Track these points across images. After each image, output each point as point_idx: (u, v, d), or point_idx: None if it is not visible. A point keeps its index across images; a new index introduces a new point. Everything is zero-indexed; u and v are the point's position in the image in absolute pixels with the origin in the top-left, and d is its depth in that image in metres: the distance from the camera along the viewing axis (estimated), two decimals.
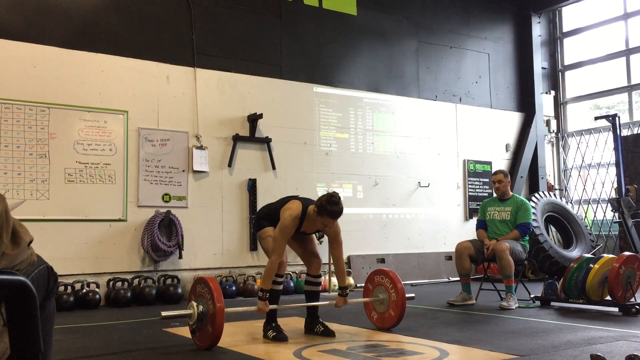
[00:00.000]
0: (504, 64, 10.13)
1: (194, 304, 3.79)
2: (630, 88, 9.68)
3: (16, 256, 1.93)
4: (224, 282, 6.92)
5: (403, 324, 4.58)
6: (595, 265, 5.27)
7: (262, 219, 4.25)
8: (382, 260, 8.29)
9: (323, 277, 4.36)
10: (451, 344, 3.81)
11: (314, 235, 4.37)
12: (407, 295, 4.42)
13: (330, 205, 3.86)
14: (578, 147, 10.33)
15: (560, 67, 10.72)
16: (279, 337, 3.97)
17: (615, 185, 8.02)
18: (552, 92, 10.61)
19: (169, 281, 6.56)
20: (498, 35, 10.10)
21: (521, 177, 9.79)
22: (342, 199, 4.00)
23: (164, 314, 3.75)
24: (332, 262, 4.37)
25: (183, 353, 3.72)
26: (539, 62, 10.28)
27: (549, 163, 10.44)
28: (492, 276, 6.58)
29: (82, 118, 6.50)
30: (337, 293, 4.28)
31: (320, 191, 7.69)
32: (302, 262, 7.54)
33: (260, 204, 7.32)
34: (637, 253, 6.45)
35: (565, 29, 10.71)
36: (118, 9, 6.86)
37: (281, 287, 4.17)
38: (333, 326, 4.36)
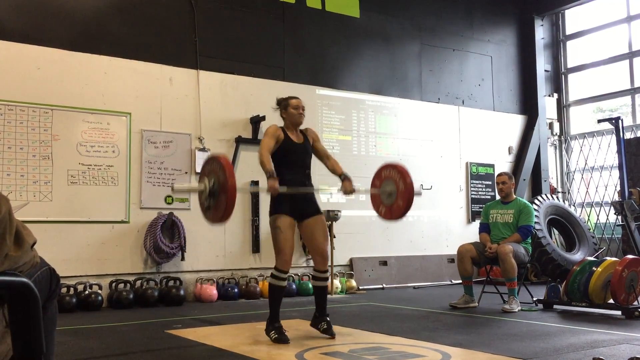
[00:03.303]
0: (507, 67, 10.12)
1: (206, 179, 3.76)
2: (633, 91, 9.67)
3: (19, 258, 1.93)
4: (226, 284, 6.93)
5: (405, 326, 4.58)
6: (598, 269, 5.26)
7: (276, 203, 4.16)
8: (384, 262, 8.28)
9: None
10: (453, 346, 3.81)
11: (324, 222, 4.33)
12: (415, 191, 4.39)
13: (284, 97, 4.45)
14: (581, 150, 10.31)
15: (563, 70, 10.71)
16: (280, 338, 3.97)
17: (618, 188, 8.00)
18: (555, 95, 10.60)
19: (171, 283, 6.56)
20: (501, 37, 10.10)
21: (524, 179, 9.78)
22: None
23: (176, 186, 3.75)
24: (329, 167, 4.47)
25: (185, 355, 3.73)
26: (542, 64, 10.28)
27: (552, 166, 10.43)
28: (494, 279, 6.57)
29: (85, 120, 6.52)
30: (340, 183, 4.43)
31: (323, 192, 7.71)
32: (304, 265, 7.56)
33: (262, 206, 7.32)
34: None
35: (568, 32, 10.70)
36: (121, 11, 6.87)
37: (285, 283, 4.16)
38: (335, 328, 4.35)
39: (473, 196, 9.36)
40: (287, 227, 4.09)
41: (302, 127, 4.48)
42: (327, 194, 7.81)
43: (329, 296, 4.62)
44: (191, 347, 3.93)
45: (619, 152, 7.51)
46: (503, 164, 9.72)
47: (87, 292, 6.10)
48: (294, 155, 4.26)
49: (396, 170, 4.47)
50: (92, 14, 6.71)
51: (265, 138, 4.21)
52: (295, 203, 4.16)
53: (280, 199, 4.12)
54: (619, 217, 7.46)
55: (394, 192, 4.43)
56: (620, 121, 7.50)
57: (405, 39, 9.03)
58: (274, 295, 4.11)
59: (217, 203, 3.68)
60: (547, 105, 10.32)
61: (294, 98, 4.45)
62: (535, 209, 7.45)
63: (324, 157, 4.49)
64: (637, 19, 9.61)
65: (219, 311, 5.89)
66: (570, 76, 10.69)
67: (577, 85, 10.63)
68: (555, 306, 5.64)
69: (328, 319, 4.24)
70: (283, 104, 4.42)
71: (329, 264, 4.36)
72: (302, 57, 8.09)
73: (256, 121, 7.42)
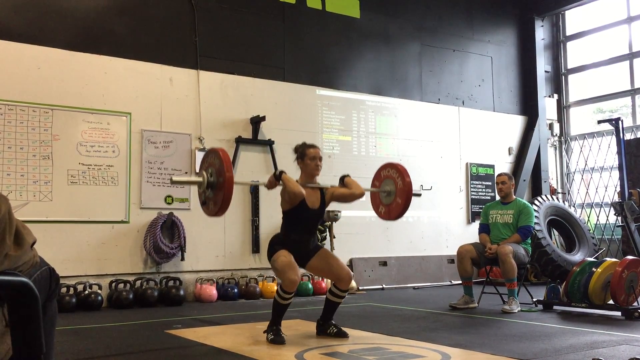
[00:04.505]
0: (507, 67, 10.12)
1: (204, 172, 3.81)
2: (633, 92, 9.67)
3: (19, 257, 1.93)
4: (225, 284, 6.93)
5: (405, 327, 4.58)
6: (598, 269, 5.26)
7: (274, 244, 4.19)
8: (384, 263, 8.28)
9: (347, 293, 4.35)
10: (453, 347, 3.81)
11: (329, 251, 4.33)
12: (414, 191, 4.41)
13: (301, 145, 4.24)
14: (581, 151, 10.31)
15: (563, 71, 10.71)
16: (276, 339, 3.97)
17: (618, 189, 8.01)
18: (555, 96, 10.60)
19: (171, 283, 6.56)
20: (501, 38, 10.10)
21: (524, 180, 9.78)
22: None
23: (175, 178, 3.83)
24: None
25: (185, 355, 3.73)
26: (542, 65, 10.28)
27: (552, 166, 10.43)
28: (494, 279, 6.57)
29: (85, 120, 6.52)
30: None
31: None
32: None
33: (262, 207, 7.33)
34: None
35: (568, 33, 10.70)
36: (122, 11, 6.88)
37: (290, 301, 4.09)
38: None
39: (473, 197, 9.36)
40: (287, 253, 4.05)
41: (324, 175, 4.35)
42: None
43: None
44: (191, 347, 3.93)
45: (619, 153, 7.51)
46: (503, 165, 9.73)
47: (87, 292, 6.10)
48: (304, 222, 4.20)
49: (395, 169, 4.50)
50: (92, 14, 6.71)
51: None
52: (295, 249, 4.12)
53: (278, 244, 4.14)
54: (619, 218, 7.46)
55: (392, 192, 4.45)
56: (620, 122, 7.49)
57: (405, 40, 9.03)
58: (278, 310, 4.07)
59: (215, 196, 3.71)
60: (547, 106, 10.32)
61: (312, 147, 4.26)
62: (535, 210, 7.45)
63: (348, 195, 4.33)
64: (637, 19, 9.61)
65: (218, 311, 5.89)
66: (571, 77, 10.69)
67: (577, 86, 10.63)
68: (555, 307, 5.64)
69: (334, 322, 4.25)
70: (300, 153, 4.25)
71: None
72: (302, 58, 8.09)
73: (256, 121, 7.42)
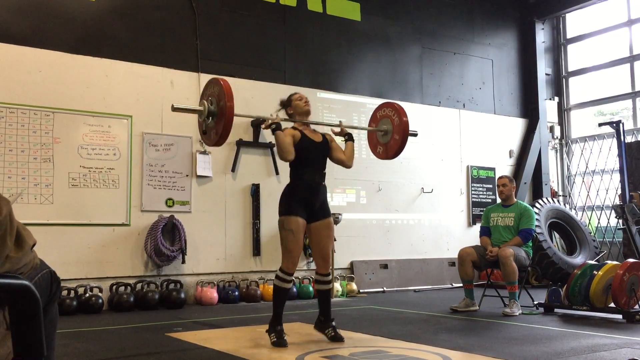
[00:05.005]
0: (508, 70, 10.13)
1: (205, 101, 3.87)
2: (634, 94, 9.67)
3: (20, 259, 1.93)
4: (226, 287, 6.92)
5: (406, 330, 4.57)
6: (599, 272, 5.25)
7: (287, 202, 4.17)
8: (385, 265, 8.28)
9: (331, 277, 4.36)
10: (454, 350, 3.80)
11: (332, 225, 4.31)
12: (410, 130, 4.46)
13: (287, 96, 4.38)
14: (582, 154, 10.31)
15: (564, 74, 10.71)
16: (279, 342, 3.97)
17: (619, 191, 8.00)
18: (556, 99, 10.60)
19: (171, 286, 6.56)
20: (502, 41, 10.11)
21: (525, 183, 9.77)
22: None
23: (176, 105, 3.88)
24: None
25: (186, 358, 3.72)
26: (543, 68, 10.28)
27: (553, 169, 10.42)
28: (495, 282, 6.56)
29: (86, 123, 6.52)
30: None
31: None
32: (304, 268, 7.57)
33: (263, 209, 7.33)
34: None
35: (569, 36, 10.71)
36: (123, 14, 6.89)
37: (290, 285, 4.14)
38: None
39: (474, 199, 9.36)
40: (299, 230, 4.07)
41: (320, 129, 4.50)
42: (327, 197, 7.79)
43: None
44: (191, 350, 3.93)
45: (619, 155, 7.51)
46: (504, 168, 9.72)
47: (87, 295, 6.10)
48: (311, 154, 4.23)
49: (392, 107, 4.56)
50: (93, 17, 6.72)
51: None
52: (308, 204, 4.16)
53: (293, 198, 4.13)
54: (620, 221, 7.46)
55: (390, 130, 4.51)
56: (621, 125, 7.50)
57: (406, 42, 9.03)
58: (278, 297, 4.10)
59: (216, 125, 3.79)
60: (548, 108, 10.32)
61: (295, 93, 4.44)
62: (536, 213, 7.46)
63: (339, 159, 4.42)
64: (637, 22, 9.61)
65: (219, 314, 5.89)
66: (571, 80, 10.69)
67: (578, 89, 10.63)
68: (556, 310, 5.63)
69: (334, 324, 4.23)
70: (287, 101, 4.39)
71: (331, 267, 4.36)
72: (303, 60, 8.10)
73: (257, 124, 7.42)
